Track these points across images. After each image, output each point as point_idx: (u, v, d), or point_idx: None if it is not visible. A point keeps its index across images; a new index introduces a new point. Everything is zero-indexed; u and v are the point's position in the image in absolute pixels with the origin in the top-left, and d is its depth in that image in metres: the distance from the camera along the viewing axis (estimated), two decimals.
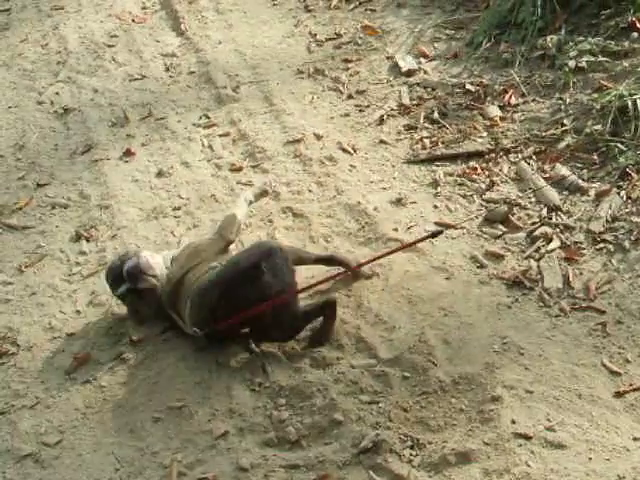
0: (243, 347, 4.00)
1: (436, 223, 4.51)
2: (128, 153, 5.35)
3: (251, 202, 4.48)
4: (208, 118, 5.57)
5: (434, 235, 4.09)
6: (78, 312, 4.37)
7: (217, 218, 4.73)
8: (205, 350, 3.98)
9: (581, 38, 5.28)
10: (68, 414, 3.84)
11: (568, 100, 4.98)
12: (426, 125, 5.20)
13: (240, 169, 5.08)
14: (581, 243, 4.21)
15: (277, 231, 4.59)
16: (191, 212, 4.83)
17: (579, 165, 4.63)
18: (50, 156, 5.50)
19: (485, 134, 5.01)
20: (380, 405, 3.62)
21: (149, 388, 3.90)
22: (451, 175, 4.80)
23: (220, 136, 5.38)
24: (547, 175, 4.60)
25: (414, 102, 5.41)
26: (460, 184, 4.73)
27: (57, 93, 6.06)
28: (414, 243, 4.19)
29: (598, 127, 4.73)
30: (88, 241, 4.76)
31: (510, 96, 5.19)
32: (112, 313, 4.31)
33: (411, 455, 3.43)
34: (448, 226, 4.36)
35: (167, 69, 6.12)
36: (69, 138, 5.62)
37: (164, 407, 3.79)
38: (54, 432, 3.77)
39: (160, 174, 5.14)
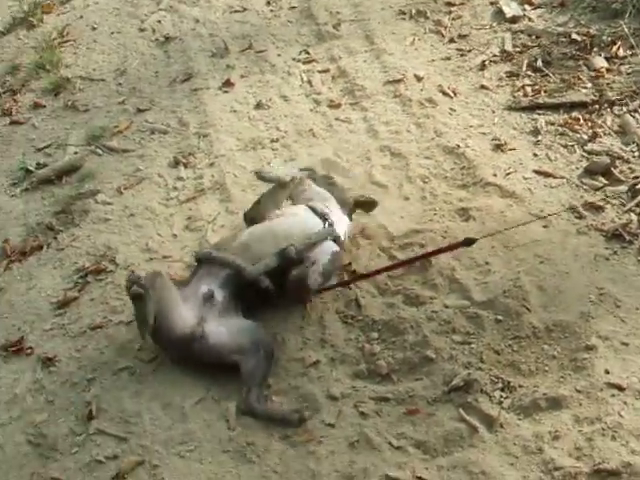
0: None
1: (535, 171, 4.45)
2: (227, 84, 5.37)
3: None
4: (308, 54, 5.55)
5: (467, 244, 3.83)
6: (174, 236, 4.43)
7: (314, 152, 4.76)
8: None
9: None
10: None
11: None
12: (529, 73, 5.12)
13: (339, 106, 5.07)
14: None
15: (374, 169, 4.58)
16: (288, 145, 4.84)
17: None
18: (150, 83, 5.56)
19: (589, 85, 4.91)
20: (472, 346, 3.63)
21: None
22: (552, 124, 4.72)
23: (319, 72, 5.37)
24: None
25: (517, 49, 5.32)
26: (561, 134, 4.66)
27: (159, 21, 6.10)
28: (434, 254, 3.96)
29: None
30: (186, 167, 4.81)
31: (618, 48, 5.07)
32: (206, 240, 4.35)
33: (501, 397, 3.43)
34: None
35: (268, 3, 6.10)
36: (169, 66, 5.67)
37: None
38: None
39: (259, 106, 5.16)
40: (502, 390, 3.46)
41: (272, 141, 4.88)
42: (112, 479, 3.37)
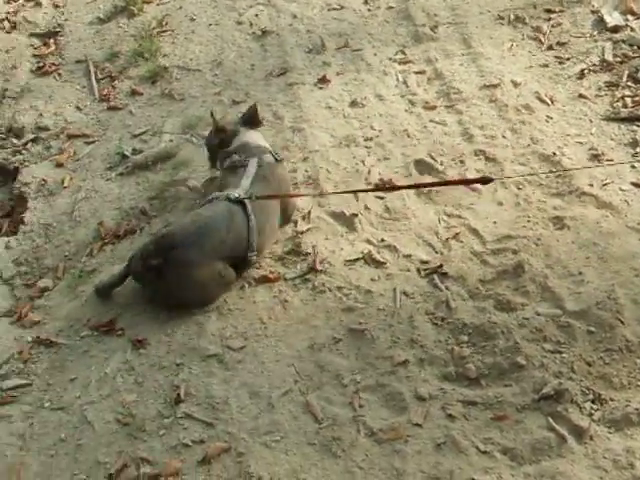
0: (428, 281, 4.01)
1: (633, 183, 4.40)
2: (323, 80, 5.38)
3: None
4: (404, 54, 5.54)
5: (484, 182, 3.75)
6: None
7: (408, 153, 4.75)
8: (392, 279, 4.02)
9: None
10: (252, 322, 3.95)
11: None
12: (629, 84, 5.06)
13: (434, 108, 5.06)
14: None
15: (468, 172, 4.56)
16: (382, 144, 4.84)
17: None
18: (246, 75, 5.60)
19: None
20: (563, 355, 3.59)
21: (330, 309, 3.96)
22: None
23: (415, 73, 5.36)
24: None
25: (618, 59, 5.25)
26: None
27: (256, 15, 6.14)
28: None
29: None
30: None
31: None
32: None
33: (592, 409, 3.40)
34: None
35: (366, 2, 6.10)
36: (265, 60, 5.70)
37: (345, 329, 3.86)
38: (238, 337, 3.89)
39: (354, 104, 5.16)
40: (593, 402, 3.42)
41: (366, 139, 4.88)
42: (198, 463, 3.41)
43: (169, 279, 3.96)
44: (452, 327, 3.80)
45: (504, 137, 4.77)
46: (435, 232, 4.28)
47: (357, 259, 4.18)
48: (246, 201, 4.09)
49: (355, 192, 4.38)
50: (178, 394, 3.67)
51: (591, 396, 3.44)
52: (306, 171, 4.70)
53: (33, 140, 5.45)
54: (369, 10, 6.01)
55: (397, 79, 5.33)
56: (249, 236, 4.08)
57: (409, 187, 4.30)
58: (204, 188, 4.66)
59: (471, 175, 4.53)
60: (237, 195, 4.11)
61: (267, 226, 4.20)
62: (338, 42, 5.73)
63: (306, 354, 3.79)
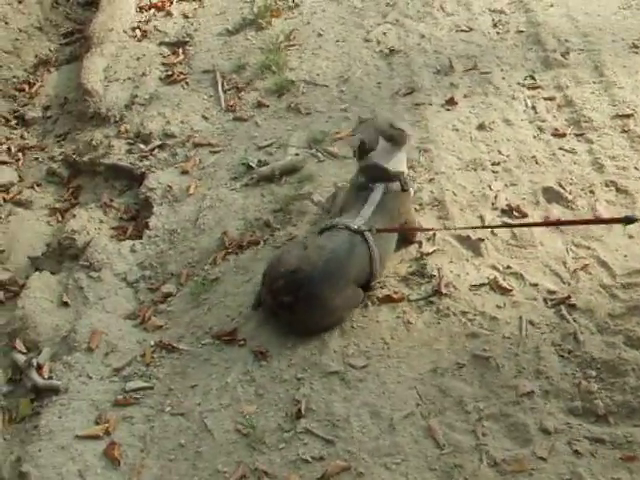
0: (555, 312, 3.94)
1: None
2: (451, 102, 5.35)
3: None
4: (533, 79, 5.46)
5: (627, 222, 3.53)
6: None
7: (536, 180, 4.68)
8: (518, 307, 3.96)
9: None
10: (375, 341, 3.93)
11: None
12: None
13: (563, 135, 4.97)
14: None
15: (598, 203, 4.46)
16: (509, 169, 4.78)
17: None
18: (372, 93, 5.59)
19: None
20: None
21: (454, 334, 3.92)
22: None
23: (545, 99, 5.27)
24: None
25: None
26: None
27: (384, 33, 6.14)
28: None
29: None
30: None
31: None
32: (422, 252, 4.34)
33: None
34: None
35: (495, 25, 6.05)
36: (392, 78, 5.69)
37: (469, 355, 3.81)
38: (361, 356, 3.88)
39: (481, 127, 5.11)
40: None
41: (493, 164, 4.82)
42: None
43: (302, 314, 3.99)
44: (580, 360, 3.71)
45: (636, 169, 4.65)
46: (563, 262, 4.19)
47: (482, 284, 4.13)
48: (366, 233, 4.09)
49: (481, 228, 4.31)
50: (299, 409, 3.68)
51: None
52: (432, 192, 4.67)
53: (160, 146, 5.55)
54: (498, 33, 5.95)
55: (526, 104, 5.26)
56: (372, 266, 4.11)
57: (541, 224, 4.16)
58: (328, 203, 4.66)
59: (602, 207, 4.43)
60: (357, 227, 4.10)
61: (386, 254, 4.22)
62: (466, 64, 5.69)
63: (429, 378, 3.75)
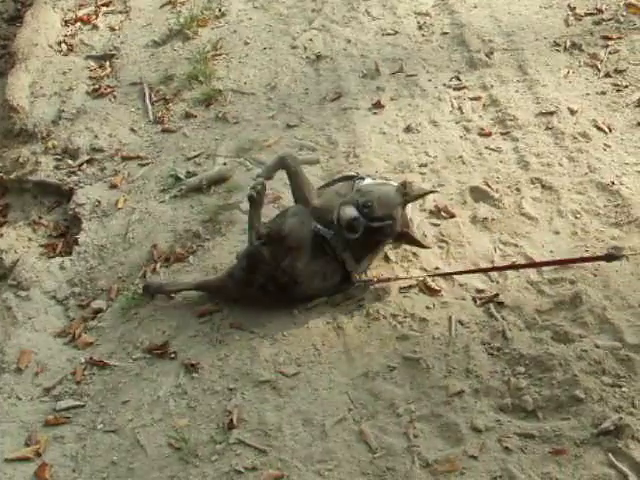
0: (484, 310, 3.96)
1: None
2: (377, 105, 5.37)
3: None
4: (459, 80, 5.50)
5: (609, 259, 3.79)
6: None
7: (463, 180, 4.71)
8: (447, 308, 3.98)
9: None
10: (306, 348, 3.93)
11: None
12: None
13: (489, 134, 5.01)
14: None
15: (524, 200, 4.50)
16: (437, 170, 4.81)
17: None
18: (300, 99, 5.60)
19: None
20: (623, 389, 3.52)
21: (385, 337, 3.92)
22: None
23: (470, 99, 5.32)
24: None
25: None
26: None
27: (310, 39, 6.14)
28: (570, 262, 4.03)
29: None
30: None
31: None
32: None
33: None
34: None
35: (420, 27, 6.08)
36: (319, 84, 5.70)
37: (400, 357, 3.82)
38: (292, 363, 3.87)
39: (408, 129, 5.14)
40: None
41: (420, 165, 4.85)
42: None
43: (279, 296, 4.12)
44: (508, 358, 3.74)
45: (561, 165, 4.70)
46: (491, 261, 4.22)
47: (411, 286, 4.14)
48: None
49: (462, 273, 4.17)
50: (231, 419, 3.66)
51: None
52: None
53: (88, 161, 5.51)
54: (423, 35, 5.99)
55: (452, 105, 5.29)
56: None
57: (524, 266, 4.12)
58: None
59: (528, 204, 4.47)
60: None
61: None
62: (392, 67, 5.71)
63: (360, 382, 3.75)
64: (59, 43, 6.72)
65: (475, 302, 4.03)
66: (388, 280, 4.14)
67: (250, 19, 6.51)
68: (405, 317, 4.00)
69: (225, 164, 5.12)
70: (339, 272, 4.12)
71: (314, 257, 4.08)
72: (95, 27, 6.89)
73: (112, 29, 6.82)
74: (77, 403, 3.96)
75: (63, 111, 5.96)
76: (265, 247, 4.07)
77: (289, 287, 4.07)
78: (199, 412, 3.75)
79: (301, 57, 6.00)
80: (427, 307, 4.03)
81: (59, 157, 5.60)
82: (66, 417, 3.91)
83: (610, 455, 3.29)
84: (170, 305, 4.32)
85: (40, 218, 5.29)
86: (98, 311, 4.48)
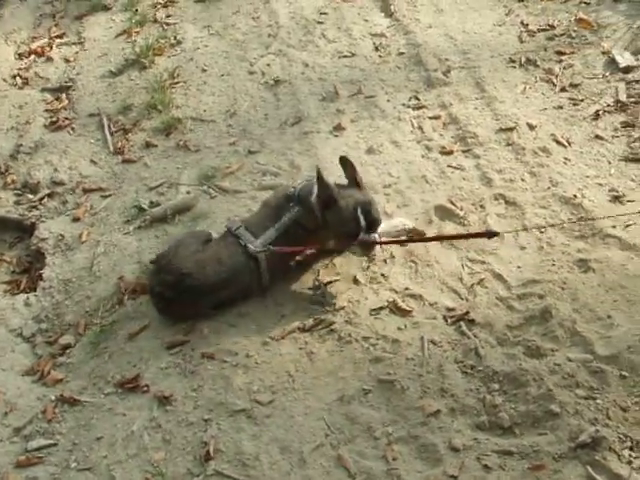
0: (455, 329, 3.97)
1: None
2: (338, 128, 5.37)
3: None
4: (418, 99, 5.54)
5: (489, 235, 4.06)
6: None
7: (427, 199, 4.73)
8: (419, 328, 3.98)
9: None
10: (279, 375, 3.91)
11: None
12: None
13: (451, 152, 5.04)
14: None
15: (489, 217, 4.53)
16: (401, 191, 4.82)
17: None
18: (260, 125, 5.59)
19: None
20: (598, 401, 3.55)
21: (358, 360, 3.92)
22: None
23: (430, 118, 5.35)
24: None
25: (632, 99, 5.23)
26: None
27: (268, 65, 6.15)
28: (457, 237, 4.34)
29: None
30: None
31: None
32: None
33: (631, 456, 3.35)
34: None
35: (376, 49, 6.11)
36: (279, 109, 5.70)
37: (374, 380, 3.82)
38: (266, 391, 3.85)
39: (370, 151, 5.15)
40: (631, 449, 3.37)
41: (384, 186, 4.86)
42: None
43: (175, 310, 4.26)
44: (482, 375, 3.75)
45: (523, 180, 4.75)
46: (459, 278, 4.25)
47: (382, 308, 4.15)
48: (260, 256, 4.22)
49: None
50: (207, 451, 3.63)
51: (629, 443, 3.39)
52: None
53: (49, 195, 5.45)
54: (380, 56, 6.02)
55: (412, 125, 5.32)
56: (259, 285, 4.28)
57: (409, 241, 4.37)
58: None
59: (492, 221, 4.50)
60: (253, 249, 4.22)
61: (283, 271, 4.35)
62: (351, 89, 5.73)
63: (336, 406, 3.74)
64: (13, 77, 6.66)
65: (446, 321, 4.04)
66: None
67: (206, 46, 6.50)
68: (377, 339, 3.99)
69: (189, 192, 5.10)
70: (238, 255, 4.18)
71: (201, 250, 4.25)
72: (49, 59, 6.83)
73: (67, 60, 6.77)
74: (49, 442, 3.90)
75: (21, 145, 5.89)
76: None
77: (181, 284, 4.12)
78: (174, 445, 3.71)
79: (259, 82, 6.00)
80: (399, 328, 4.03)
81: (19, 192, 5.53)
82: (38, 457, 3.84)
83: (589, 468, 3.31)
84: (140, 337, 4.28)
85: (2, 255, 5.21)
86: (67, 347, 4.42)
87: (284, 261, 4.26)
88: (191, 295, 4.18)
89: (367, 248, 4.18)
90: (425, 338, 3.95)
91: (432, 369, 3.81)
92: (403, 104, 5.52)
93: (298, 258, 4.28)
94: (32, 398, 4.15)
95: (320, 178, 4.18)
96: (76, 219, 5.20)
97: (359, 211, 4.13)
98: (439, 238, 4.39)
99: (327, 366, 3.92)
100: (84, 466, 3.75)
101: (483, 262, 4.31)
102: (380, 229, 4.29)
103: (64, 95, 6.36)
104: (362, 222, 4.11)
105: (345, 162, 4.33)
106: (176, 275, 4.16)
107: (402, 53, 6.02)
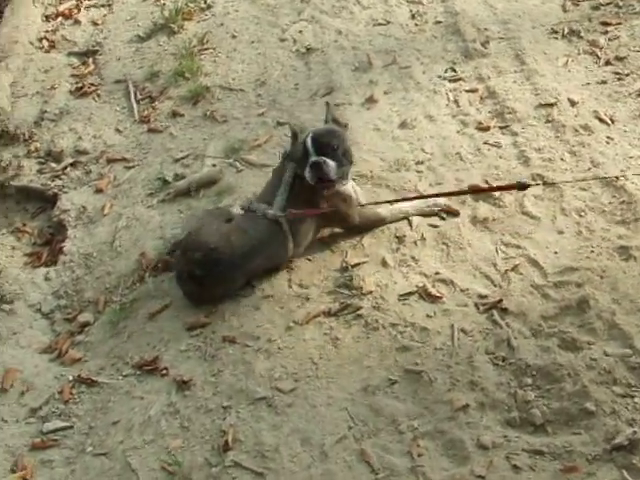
0: (487, 317, 3.80)
1: None
2: (370, 100, 5.18)
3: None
4: (454, 72, 5.32)
5: (520, 188, 3.99)
6: None
7: (462, 177, 4.54)
8: (449, 316, 3.81)
9: None
10: (302, 362, 3.76)
11: None
12: None
13: (487, 128, 4.83)
14: None
15: (526, 198, 4.33)
16: (434, 168, 4.63)
17: None
18: (290, 95, 5.41)
19: None
20: (636, 400, 3.37)
21: (384, 348, 3.76)
22: None
23: (467, 91, 5.13)
24: None
25: None
26: None
27: (300, 32, 5.95)
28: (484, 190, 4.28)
29: None
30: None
31: None
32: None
33: None
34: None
35: (413, 16, 5.89)
36: (310, 79, 5.51)
37: (401, 370, 3.66)
38: (288, 379, 3.70)
39: (403, 125, 4.95)
40: None
41: (417, 163, 4.67)
42: None
43: (208, 289, 4.10)
44: (514, 368, 3.58)
45: (563, 160, 4.53)
46: (493, 264, 4.06)
47: (411, 293, 3.97)
48: (281, 220, 4.09)
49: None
50: (226, 440, 3.50)
51: None
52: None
53: (72, 164, 5.32)
54: (416, 25, 5.80)
55: (448, 98, 5.11)
56: (286, 251, 4.16)
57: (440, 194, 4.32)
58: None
59: (529, 203, 4.30)
60: (273, 214, 4.11)
61: (304, 236, 4.22)
62: (385, 59, 5.52)
63: (360, 397, 3.59)
64: (40, 40, 6.52)
65: (478, 308, 3.86)
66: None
67: (237, 11, 6.31)
68: (405, 326, 3.83)
69: (214, 165, 4.94)
70: (261, 224, 4.11)
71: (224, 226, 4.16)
72: (77, 22, 6.69)
73: (95, 24, 6.62)
74: (65, 424, 3.79)
75: (45, 112, 5.76)
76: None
77: (209, 258, 4.02)
78: (192, 432, 3.59)
79: (290, 50, 5.81)
80: (428, 315, 3.86)
81: (42, 160, 5.41)
82: (54, 440, 3.74)
83: (624, 472, 3.14)
84: (160, 317, 4.15)
85: (24, 225, 5.09)
86: (85, 325, 4.31)
87: (304, 222, 4.16)
88: (221, 269, 4.04)
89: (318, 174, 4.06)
90: (455, 327, 3.78)
91: (461, 360, 3.64)
92: (439, 76, 5.31)
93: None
94: (49, 377, 4.05)
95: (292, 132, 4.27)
96: (99, 190, 5.07)
97: (309, 137, 4.09)
98: (465, 192, 4.31)
99: (352, 353, 3.77)
100: (100, 451, 3.64)
101: (518, 246, 4.12)
102: (411, 204, 4.26)
103: (91, 60, 6.22)
104: (309, 146, 4.05)
105: (327, 105, 4.39)
106: (204, 250, 4.03)
107: (439, 22, 5.79)
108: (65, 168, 5.29)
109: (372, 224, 4.29)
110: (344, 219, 4.25)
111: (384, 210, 4.30)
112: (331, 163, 4.04)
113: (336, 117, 4.35)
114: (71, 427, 3.78)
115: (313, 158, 4.03)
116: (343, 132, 4.26)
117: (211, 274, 4.03)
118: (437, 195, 4.33)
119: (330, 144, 4.09)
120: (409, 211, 4.32)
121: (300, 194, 4.13)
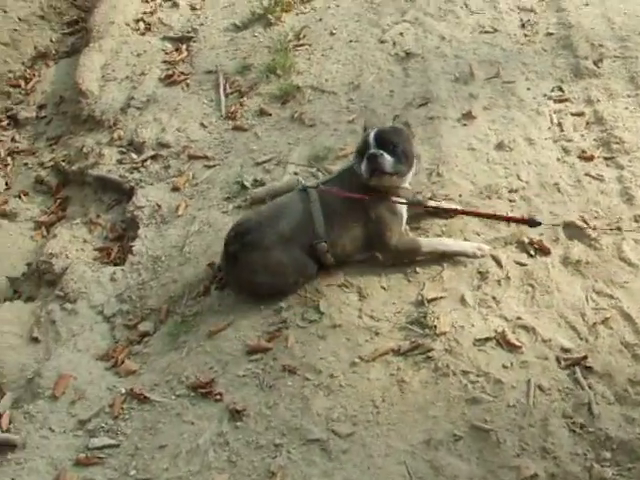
0: (568, 374, 3.48)
1: None
2: (468, 115, 4.85)
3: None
4: (561, 91, 4.95)
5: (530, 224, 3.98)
6: None
7: (557, 211, 4.20)
8: (526, 368, 3.51)
9: None
10: (364, 404, 3.52)
11: None
12: None
13: (591, 158, 4.46)
14: None
15: (625, 242, 3.97)
16: (528, 198, 4.30)
17: None
18: (384, 102, 5.12)
19: None
20: None
21: (453, 397, 3.48)
22: None
23: (572, 114, 4.77)
24: None
25: None
26: None
27: (401, 34, 5.65)
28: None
29: None
30: None
31: None
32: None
33: None
34: None
35: (522, 26, 5.53)
36: (407, 86, 5.21)
37: (468, 425, 3.38)
38: (347, 421, 3.46)
39: (500, 147, 4.63)
40: None
41: (510, 191, 4.35)
42: None
43: (244, 263, 3.99)
44: (593, 438, 3.26)
45: None
46: (581, 313, 3.73)
47: (488, 339, 3.67)
48: (310, 190, 4.07)
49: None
50: None
51: None
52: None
53: (152, 157, 5.18)
54: (525, 35, 5.43)
55: (551, 120, 4.75)
56: (314, 225, 4.01)
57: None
58: None
59: (628, 248, 3.94)
60: (304, 184, 4.15)
61: (345, 233, 4.06)
62: (488, 71, 5.18)
63: (421, 450, 3.33)
64: (137, 21, 6.38)
65: (559, 363, 3.55)
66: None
67: (338, 6, 6.05)
68: (478, 376, 3.54)
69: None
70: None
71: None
72: (175, 5, 6.54)
73: (193, 8, 6.46)
74: (112, 442, 3.63)
75: (133, 98, 5.63)
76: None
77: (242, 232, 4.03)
78: (239, 469, 3.39)
79: (389, 53, 5.51)
80: (504, 366, 3.56)
81: (123, 150, 5.28)
82: (99, 457, 3.59)
83: None
84: (221, 335, 3.95)
85: (98, 217, 4.99)
86: (145, 334, 4.15)
87: (341, 219, 4.05)
88: (250, 237, 3.99)
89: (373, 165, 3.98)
90: (532, 382, 3.47)
91: (535, 422, 3.34)
92: (544, 94, 4.95)
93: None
94: (102, 387, 3.91)
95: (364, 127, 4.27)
96: (175, 188, 4.91)
97: (372, 132, 4.05)
98: (473, 213, 4.15)
99: (418, 400, 3.50)
100: (143, 476, 3.48)
101: (611, 296, 3.77)
102: (454, 242, 4.10)
103: (184, 46, 6.07)
104: (370, 139, 4.01)
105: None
106: (235, 228, 4.10)
107: (550, 34, 5.42)
108: (145, 161, 5.16)
109: (407, 252, 4.05)
110: (383, 233, 4.02)
111: (423, 241, 4.08)
112: (388, 157, 3.98)
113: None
114: (117, 446, 3.62)
115: (371, 150, 3.97)
116: (408, 133, 4.21)
117: (242, 245, 3.99)
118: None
119: (391, 140, 4.04)
120: (449, 249, 4.04)
121: (350, 189, 4.04)
